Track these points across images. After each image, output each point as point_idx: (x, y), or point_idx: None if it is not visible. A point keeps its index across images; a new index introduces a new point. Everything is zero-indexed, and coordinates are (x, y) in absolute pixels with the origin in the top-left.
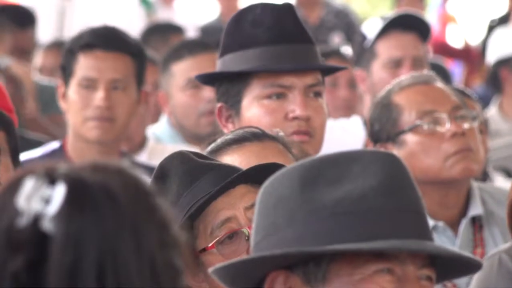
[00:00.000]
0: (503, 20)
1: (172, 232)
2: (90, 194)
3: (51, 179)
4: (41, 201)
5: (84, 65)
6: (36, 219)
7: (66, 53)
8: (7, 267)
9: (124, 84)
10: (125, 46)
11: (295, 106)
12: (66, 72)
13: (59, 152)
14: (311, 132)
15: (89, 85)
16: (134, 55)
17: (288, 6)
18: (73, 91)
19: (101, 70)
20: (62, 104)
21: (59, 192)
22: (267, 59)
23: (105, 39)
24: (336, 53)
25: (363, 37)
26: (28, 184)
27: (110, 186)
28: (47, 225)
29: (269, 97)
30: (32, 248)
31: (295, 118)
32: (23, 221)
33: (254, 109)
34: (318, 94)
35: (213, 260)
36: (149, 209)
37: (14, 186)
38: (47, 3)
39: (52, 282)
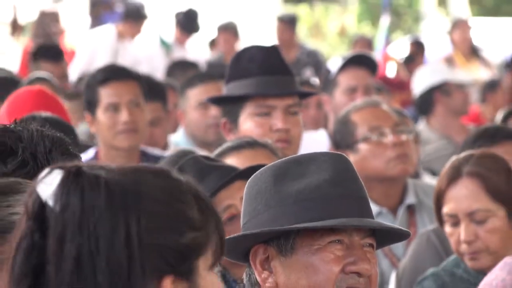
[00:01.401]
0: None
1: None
2: (78, 179)
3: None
4: (49, 185)
5: (105, 94)
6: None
7: (87, 90)
8: (33, 235)
9: (138, 102)
10: (130, 75)
11: (277, 121)
12: (90, 104)
13: (94, 158)
14: (290, 141)
15: (114, 108)
16: (137, 80)
17: (274, 47)
18: (101, 115)
19: (120, 95)
20: (92, 128)
21: (56, 178)
22: (258, 86)
23: (115, 73)
24: (307, 83)
25: (328, 71)
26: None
27: (102, 176)
28: (49, 202)
29: (259, 114)
30: (43, 220)
31: (277, 130)
32: (38, 201)
33: (248, 123)
34: (295, 113)
35: None
36: (138, 198)
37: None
38: (105, 44)
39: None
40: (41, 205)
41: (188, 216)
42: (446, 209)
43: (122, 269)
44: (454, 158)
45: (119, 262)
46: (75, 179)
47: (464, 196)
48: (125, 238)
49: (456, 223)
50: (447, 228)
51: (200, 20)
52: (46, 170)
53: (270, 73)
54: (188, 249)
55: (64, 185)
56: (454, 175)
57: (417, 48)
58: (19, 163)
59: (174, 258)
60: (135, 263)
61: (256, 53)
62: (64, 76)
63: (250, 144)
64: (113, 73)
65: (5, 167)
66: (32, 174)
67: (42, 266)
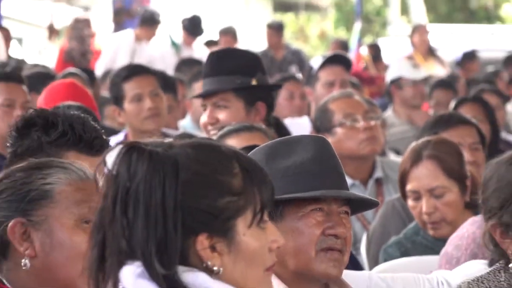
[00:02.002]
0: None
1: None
2: (129, 151)
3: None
4: (110, 157)
5: (129, 88)
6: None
7: (113, 88)
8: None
9: (157, 92)
10: (148, 71)
11: (207, 116)
12: (117, 98)
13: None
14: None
15: (138, 98)
16: (154, 74)
17: (223, 50)
18: (128, 106)
19: (142, 87)
20: (119, 119)
21: (115, 151)
22: (202, 87)
23: (135, 70)
24: (293, 78)
25: (310, 68)
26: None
27: (147, 149)
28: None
29: (204, 108)
30: (111, 183)
31: (209, 123)
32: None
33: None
34: (224, 106)
35: None
36: (176, 170)
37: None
38: (125, 46)
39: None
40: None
41: (225, 183)
42: (409, 187)
43: (158, 226)
44: (414, 143)
45: (156, 220)
46: (127, 152)
47: (424, 175)
48: (160, 201)
49: (418, 198)
50: (410, 202)
51: (204, 25)
52: (112, 146)
53: (208, 75)
54: (223, 211)
55: (118, 156)
56: (416, 158)
57: (375, 50)
58: (60, 133)
59: (208, 219)
60: (169, 221)
61: (208, 56)
62: (96, 96)
63: (247, 128)
64: (134, 70)
65: (49, 137)
66: (71, 142)
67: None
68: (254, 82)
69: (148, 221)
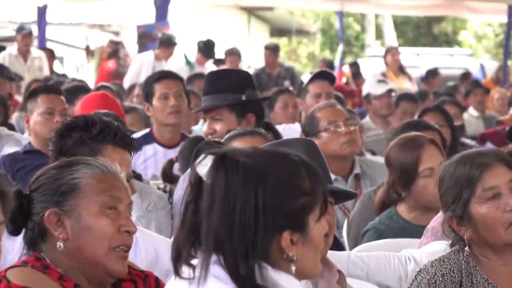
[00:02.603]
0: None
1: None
2: (224, 163)
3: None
4: (205, 166)
5: (158, 88)
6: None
7: (145, 86)
8: (196, 200)
9: (180, 93)
10: (175, 76)
11: (206, 127)
12: (148, 95)
13: (150, 134)
14: (217, 136)
15: (164, 97)
16: (180, 80)
17: (219, 72)
18: (156, 102)
19: (169, 88)
20: (148, 113)
21: (209, 161)
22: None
23: (166, 74)
24: (287, 90)
25: (301, 82)
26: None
27: (240, 161)
28: (204, 178)
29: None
30: (200, 190)
31: (208, 133)
32: (197, 177)
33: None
34: (219, 119)
35: None
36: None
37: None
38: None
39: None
40: (199, 180)
41: (300, 186)
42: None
43: (251, 227)
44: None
45: (249, 222)
46: (221, 163)
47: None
48: (254, 205)
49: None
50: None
51: (216, 48)
52: (202, 155)
53: (206, 93)
54: (301, 210)
55: (214, 166)
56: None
57: (354, 69)
58: (99, 130)
59: (290, 217)
60: (260, 222)
61: (206, 76)
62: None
63: (250, 133)
64: (164, 74)
65: (90, 134)
66: (108, 137)
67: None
68: (244, 98)
69: (242, 224)
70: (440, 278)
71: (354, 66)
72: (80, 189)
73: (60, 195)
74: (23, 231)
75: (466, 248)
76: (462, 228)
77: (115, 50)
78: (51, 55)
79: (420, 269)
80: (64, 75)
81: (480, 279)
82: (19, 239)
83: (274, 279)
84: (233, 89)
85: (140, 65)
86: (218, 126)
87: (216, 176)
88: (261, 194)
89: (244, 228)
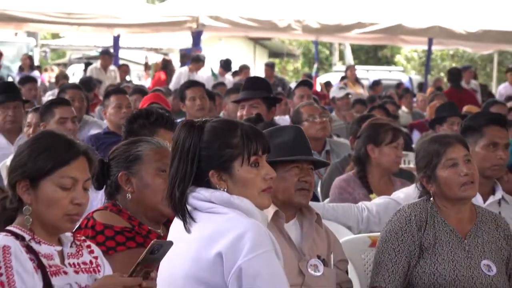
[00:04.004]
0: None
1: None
2: (185, 126)
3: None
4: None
5: (189, 93)
6: None
7: (179, 91)
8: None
9: (204, 96)
10: (201, 84)
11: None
12: (182, 97)
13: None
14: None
15: (193, 98)
16: (203, 86)
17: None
18: (187, 103)
19: (195, 92)
20: (183, 109)
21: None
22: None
23: (194, 83)
24: (279, 93)
25: (290, 88)
26: None
27: (197, 125)
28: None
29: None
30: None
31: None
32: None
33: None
34: (254, 106)
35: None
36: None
37: None
38: (184, 75)
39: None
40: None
41: (229, 142)
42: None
43: (191, 166)
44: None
45: (190, 162)
46: (184, 125)
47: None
48: (192, 151)
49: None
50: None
51: (232, 65)
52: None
53: (247, 88)
54: (226, 157)
55: (178, 128)
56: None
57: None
58: (155, 118)
59: (218, 162)
60: (194, 163)
61: (247, 79)
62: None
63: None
64: (192, 83)
65: (149, 121)
66: (161, 122)
67: None
68: (271, 96)
69: (186, 163)
70: (413, 217)
71: (326, 82)
72: (142, 158)
73: (128, 162)
74: (104, 187)
75: (431, 199)
76: (429, 185)
77: (165, 65)
78: (127, 69)
79: (400, 208)
80: (130, 82)
81: (439, 220)
82: (101, 192)
83: (223, 197)
84: (265, 89)
85: (179, 75)
86: (254, 112)
87: (179, 134)
88: (197, 145)
89: (186, 165)
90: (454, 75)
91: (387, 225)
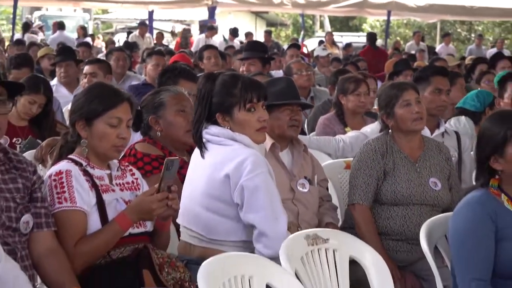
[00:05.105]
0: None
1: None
2: (209, 77)
3: None
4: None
5: (206, 54)
6: None
7: (198, 53)
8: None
9: (217, 55)
10: (214, 47)
11: None
12: (200, 57)
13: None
14: None
15: (209, 58)
16: (216, 49)
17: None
18: (205, 60)
19: (211, 53)
20: (201, 66)
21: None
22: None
23: (210, 47)
24: (275, 54)
25: (283, 49)
26: None
27: (211, 77)
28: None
29: None
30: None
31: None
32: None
33: None
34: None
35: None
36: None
37: None
38: (202, 40)
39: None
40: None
41: (229, 91)
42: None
43: (204, 108)
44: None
45: (203, 105)
46: (204, 77)
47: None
48: (205, 98)
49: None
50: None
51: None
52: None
53: (247, 49)
54: (228, 103)
55: (201, 79)
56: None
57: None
58: (178, 70)
59: (222, 107)
60: (206, 107)
61: (248, 42)
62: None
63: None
64: (207, 47)
65: (173, 73)
66: (183, 74)
67: None
68: (266, 56)
69: (199, 106)
70: (377, 148)
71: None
72: (165, 104)
73: (155, 108)
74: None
75: (390, 131)
76: (388, 120)
77: (184, 32)
78: (161, 36)
79: (366, 141)
80: (167, 46)
81: (396, 149)
82: (138, 132)
83: (227, 133)
84: (261, 50)
85: (198, 41)
86: (252, 68)
87: (201, 82)
88: (210, 92)
89: (202, 107)
90: (372, 38)
91: (358, 155)
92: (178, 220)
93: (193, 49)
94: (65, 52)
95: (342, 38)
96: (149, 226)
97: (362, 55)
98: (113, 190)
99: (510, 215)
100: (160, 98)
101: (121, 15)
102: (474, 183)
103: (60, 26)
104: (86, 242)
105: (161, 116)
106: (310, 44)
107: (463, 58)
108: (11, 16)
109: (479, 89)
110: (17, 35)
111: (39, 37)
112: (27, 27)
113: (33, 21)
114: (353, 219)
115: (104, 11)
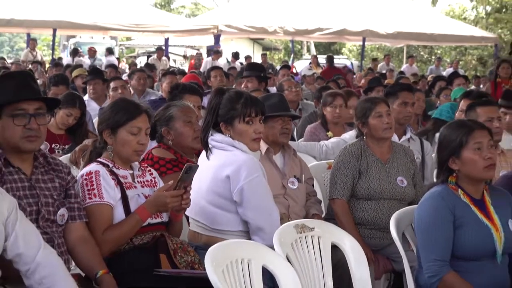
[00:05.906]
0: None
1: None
2: (217, 92)
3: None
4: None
5: (213, 74)
6: None
7: (206, 73)
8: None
9: (222, 75)
10: (220, 68)
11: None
12: (207, 77)
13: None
14: None
15: (215, 77)
16: (221, 69)
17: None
18: (212, 79)
19: (217, 73)
20: (209, 83)
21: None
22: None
23: (216, 68)
24: (270, 73)
25: (276, 70)
26: None
27: (220, 92)
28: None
29: None
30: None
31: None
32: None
33: None
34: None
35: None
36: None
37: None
38: (209, 62)
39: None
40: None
41: (233, 106)
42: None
43: (211, 118)
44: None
45: (211, 115)
46: (215, 91)
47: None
48: (213, 109)
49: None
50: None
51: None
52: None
53: (247, 69)
54: (231, 115)
55: (213, 91)
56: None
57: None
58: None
59: (225, 118)
60: (213, 117)
61: (248, 63)
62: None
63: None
64: (214, 68)
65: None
66: (188, 90)
67: None
68: (262, 75)
69: (210, 115)
70: (353, 152)
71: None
72: (174, 117)
73: (166, 121)
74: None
75: (364, 138)
76: (363, 129)
77: (197, 55)
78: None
79: (345, 146)
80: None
81: (369, 153)
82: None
83: (228, 140)
84: (257, 70)
85: (206, 63)
86: (249, 84)
87: (212, 96)
88: (217, 105)
89: (210, 117)
90: (330, 59)
91: (338, 157)
92: (187, 212)
93: (201, 69)
94: (94, 72)
95: (325, 60)
96: (165, 217)
97: (322, 75)
98: (135, 187)
99: (466, 207)
100: (170, 112)
101: (142, 42)
102: (435, 180)
103: (109, 51)
104: (112, 231)
105: (171, 127)
106: (299, 65)
107: (423, 77)
108: (51, 42)
109: (451, 102)
110: (68, 59)
111: (86, 60)
112: (76, 52)
113: (69, 47)
114: (333, 211)
115: (128, 38)
